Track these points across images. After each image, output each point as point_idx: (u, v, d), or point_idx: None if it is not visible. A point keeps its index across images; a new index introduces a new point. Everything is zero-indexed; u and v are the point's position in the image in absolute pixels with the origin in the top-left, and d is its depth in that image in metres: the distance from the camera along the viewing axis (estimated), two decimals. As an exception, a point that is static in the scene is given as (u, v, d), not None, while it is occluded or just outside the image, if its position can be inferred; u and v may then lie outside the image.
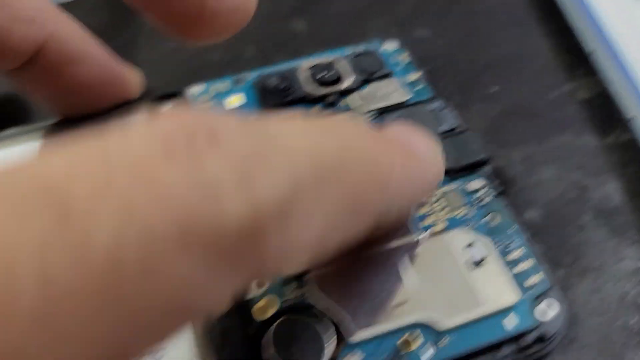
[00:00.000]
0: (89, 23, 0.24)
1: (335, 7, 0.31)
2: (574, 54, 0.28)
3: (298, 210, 0.12)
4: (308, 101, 0.25)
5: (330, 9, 0.31)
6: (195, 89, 0.25)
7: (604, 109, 0.26)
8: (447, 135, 0.23)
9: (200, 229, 0.10)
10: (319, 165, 0.13)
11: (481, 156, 0.23)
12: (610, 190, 0.24)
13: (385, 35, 0.28)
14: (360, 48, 0.27)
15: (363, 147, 0.15)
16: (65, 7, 0.23)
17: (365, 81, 0.25)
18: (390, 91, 0.25)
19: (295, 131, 0.14)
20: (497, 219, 0.21)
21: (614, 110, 0.26)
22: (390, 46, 0.27)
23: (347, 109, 0.24)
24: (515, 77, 0.27)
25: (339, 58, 0.26)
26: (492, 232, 0.21)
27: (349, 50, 0.27)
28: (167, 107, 0.25)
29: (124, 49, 0.28)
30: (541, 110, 0.26)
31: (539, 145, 0.25)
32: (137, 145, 0.11)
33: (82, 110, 0.22)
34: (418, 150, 0.17)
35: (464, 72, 0.28)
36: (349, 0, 0.30)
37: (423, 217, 0.21)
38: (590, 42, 0.28)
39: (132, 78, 0.23)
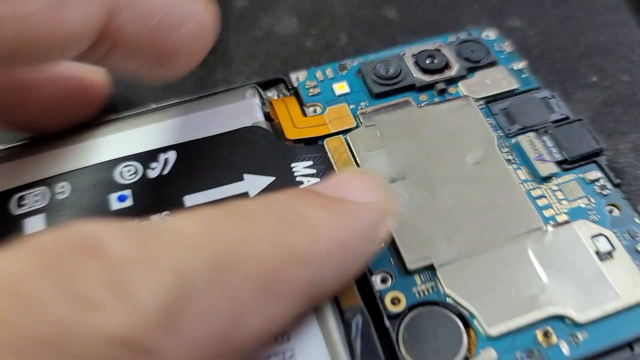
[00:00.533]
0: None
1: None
2: None
3: (191, 306, 0.12)
4: (417, 89, 0.25)
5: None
6: (299, 75, 0.25)
7: None
8: (559, 125, 0.23)
9: (74, 342, 0.10)
10: (215, 258, 0.13)
11: (596, 146, 0.23)
12: None
13: (477, 24, 0.28)
14: (463, 35, 0.27)
15: (269, 230, 0.14)
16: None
17: (472, 69, 0.25)
18: (499, 79, 0.25)
19: (190, 227, 0.13)
20: (618, 211, 0.22)
21: None
22: (490, 34, 0.27)
23: (458, 96, 0.24)
24: (614, 66, 0.28)
25: (443, 45, 0.26)
26: (615, 224, 0.21)
27: (451, 37, 0.27)
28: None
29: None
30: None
31: (637, 129, 0.25)
32: (13, 262, 0.11)
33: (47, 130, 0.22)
34: (356, 208, 0.16)
35: (561, 61, 0.28)
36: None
37: (543, 208, 0.21)
38: None
39: (98, 88, 0.23)
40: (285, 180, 0.22)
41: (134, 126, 0.24)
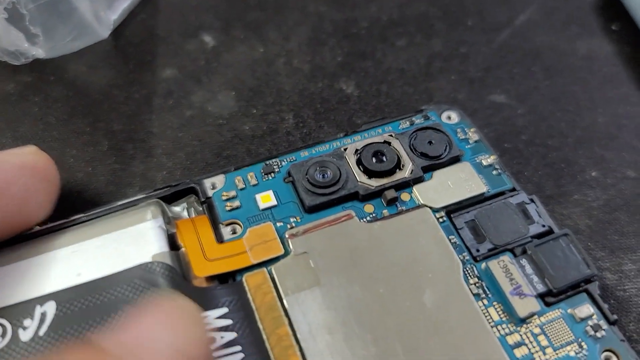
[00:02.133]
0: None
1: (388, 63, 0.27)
2: None
3: None
4: (361, 197, 0.21)
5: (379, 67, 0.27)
6: (215, 181, 0.22)
7: None
8: (540, 243, 0.20)
9: None
10: None
11: (586, 272, 0.19)
12: None
13: (452, 99, 0.24)
14: (418, 119, 0.23)
15: None
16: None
17: (430, 167, 0.22)
18: (463, 180, 0.22)
19: None
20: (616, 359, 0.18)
21: None
22: (452, 116, 0.23)
23: (413, 206, 0.21)
24: (617, 157, 0.24)
25: (394, 136, 0.22)
26: (613, 380, 0.18)
27: (404, 122, 0.23)
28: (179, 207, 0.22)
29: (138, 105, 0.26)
30: None
31: None
32: None
33: None
34: None
35: (554, 150, 0.25)
36: (411, 55, 0.27)
37: (523, 360, 0.18)
38: None
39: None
40: (191, 339, 0.18)
41: (3, 260, 0.20)
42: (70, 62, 0.27)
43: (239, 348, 0.18)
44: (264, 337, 0.18)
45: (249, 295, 0.19)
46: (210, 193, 0.22)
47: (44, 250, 0.20)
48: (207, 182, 0.22)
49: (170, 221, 0.21)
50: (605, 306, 0.19)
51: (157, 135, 0.25)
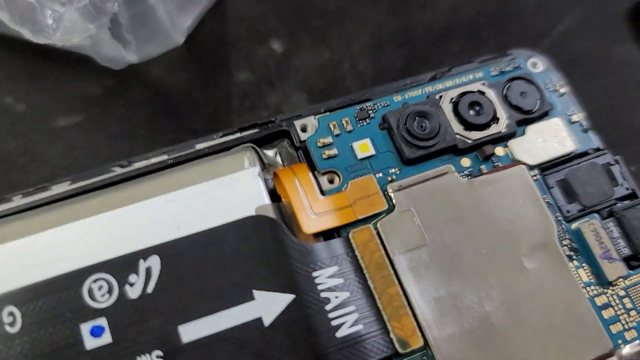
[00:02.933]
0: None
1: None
2: None
3: None
4: (457, 152, 0.22)
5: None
6: (306, 124, 0.22)
7: None
8: (626, 207, 0.21)
9: None
10: None
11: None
12: None
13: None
14: (506, 66, 0.23)
15: None
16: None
17: (523, 121, 0.22)
18: (554, 137, 0.23)
19: None
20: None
21: None
22: (539, 64, 0.24)
23: (508, 163, 0.22)
24: None
25: (486, 84, 0.23)
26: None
27: (494, 68, 0.23)
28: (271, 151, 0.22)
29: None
30: None
31: None
32: None
33: None
34: None
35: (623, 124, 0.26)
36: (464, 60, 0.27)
37: (610, 322, 0.20)
38: None
39: None
40: (308, 299, 0.19)
41: (95, 209, 0.20)
42: (149, 67, 0.28)
43: (353, 308, 0.19)
44: (376, 296, 0.20)
45: (357, 252, 0.20)
46: (303, 137, 0.22)
47: (137, 198, 0.20)
48: (297, 124, 0.22)
49: (265, 167, 0.21)
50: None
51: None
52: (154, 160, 0.21)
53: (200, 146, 0.22)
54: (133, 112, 0.28)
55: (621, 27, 0.31)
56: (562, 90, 0.24)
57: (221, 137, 0.22)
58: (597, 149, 0.23)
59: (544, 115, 0.23)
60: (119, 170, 0.21)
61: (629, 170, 0.23)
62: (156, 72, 0.28)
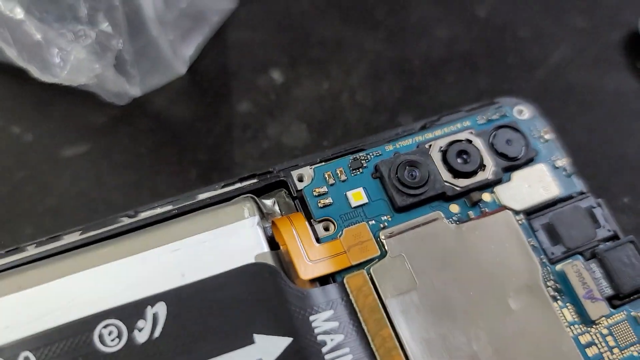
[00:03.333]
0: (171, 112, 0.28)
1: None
2: None
3: None
4: (446, 198, 0.24)
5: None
6: (302, 174, 0.24)
7: None
8: (608, 249, 0.23)
9: None
10: None
11: (651, 278, 0.23)
12: None
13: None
14: (493, 114, 0.25)
15: None
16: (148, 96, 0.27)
17: (508, 168, 0.24)
18: (539, 182, 0.24)
19: None
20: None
21: None
22: (525, 111, 0.26)
23: (495, 208, 0.24)
24: None
25: (473, 133, 0.25)
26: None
27: (480, 117, 0.25)
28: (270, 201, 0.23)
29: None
30: None
31: None
32: None
33: None
34: None
35: (590, 178, 0.27)
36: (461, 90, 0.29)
37: None
38: None
39: None
40: (305, 342, 0.21)
41: (105, 258, 0.22)
42: (153, 97, 0.29)
43: (347, 350, 0.21)
44: (369, 338, 0.21)
45: (351, 296, 0.22)
46: (299, 186, 0.24)
47: (144, 247, 0.22)
48: (294, 174, 0.24)
49: (264, 216, 0.23)
50: (663, 308, 0.23)
51: (240, 164, 0.29)
52: (159, 210, 0.23)
53: (202, 196, 0.23)
54: (138, 142, 0.29)
55: (615, 56, 0.32)
56: (547, 137, 0.25)
57: (222, 187, 0.24)
58: (581, 193, 0.25)
59: (529, 161, 0.25)
60: (126, 221, 0.23)
61: (610, 212, 0.24)
62: (160, 103, 0.30)
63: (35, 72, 0.25)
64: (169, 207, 0.23)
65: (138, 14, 0.25)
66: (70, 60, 0.24)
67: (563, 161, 0.25)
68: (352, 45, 0.32)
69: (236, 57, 0.31)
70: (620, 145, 0.28)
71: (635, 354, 0.22)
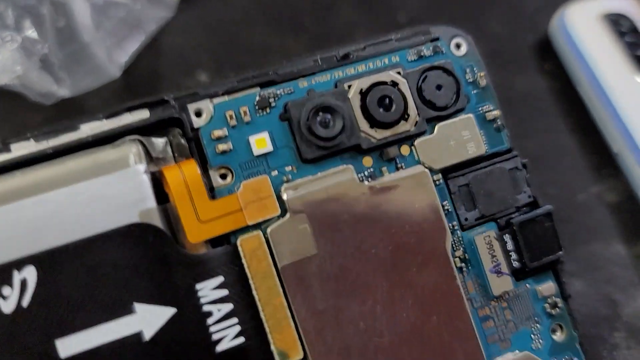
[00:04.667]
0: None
1: None
2: (600, 153, 0.33)
3: None
4: (360, 151, 0.23)
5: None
6: (200, 107, 0.22)
7: (633, 214, 0.31)
8: (523, 220, 0.24)
9: None
10: None
11: (559, 253, 0.24)
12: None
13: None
14: (427, 49, 0.24)
15: None
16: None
17: (434, 118, 0.24)
18: (465, 138, 0.24)
19: None
20: (561, 333, 0.24)
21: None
22: (462, 45, 0.25)
23: (411, 166, 0.23)
24: (541, 177, 0.28)
25: (401, 73, 0.24)
26: (555, 351, 0.24)
27: (412, 52, 0.24)
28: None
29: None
30: (569, 216, 0.29)
31: (567, 255, 0.26)
32: None
33: None
34: None
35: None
36: None
37: (488, 334, 0.23)
38: (615, 142, 0.32)
39: None
40: (189, 312, 0.21)
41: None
42: (88, 98, 0.32)
43: (235, 320, 0.21)
44: (260, 307, 0.22)
45: (244, 261, 0.22)
46: (196, 124, 0.22)
47: (7, 197, 0.21)
48: (191, 108, 0.22)
49: (152, 160, 0.22)
50: (565, 283, 0.24)
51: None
52: (33, 144, 0.21)
53: (84, 128, 0.22)
54: None
55: (526, 59, 0.35)
56: (482, 83, 0.24)
57: (107, 117, 0.22)
58: (508, 150, 0.25)
59: (458, 111, 0.24)
60: (-4, 156, 0.21)
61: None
62: (94, 103, 0.33)
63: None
64: (45, 143, 0.21)
65: (71, 22, 0.30)
66: None
67: (495, 113, 0.24)
68: (277, 51, 0.35)
69: (168, 61, 0.35)
70: (523, 142, 0.28)
71: (528, 327, 0.24)
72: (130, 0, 0.31)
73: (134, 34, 0.33)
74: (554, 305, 0.24)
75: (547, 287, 0.24)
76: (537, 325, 0.24)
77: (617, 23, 0.34)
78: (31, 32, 0.29)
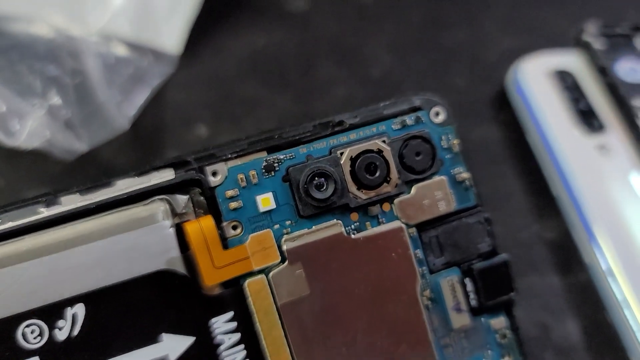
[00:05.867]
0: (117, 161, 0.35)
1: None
2: (542, 196, 0.38)
3: None
4: (348, 209, 0.28)
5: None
6: (216, 169, 0.27)
7: (566, 250, 0.37)
8: (482, 267, 0.29)
9: None
10: None
11: (512, 296, 0.29)
12: (570, 328, 0.34)
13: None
14: (410, 121, 0.29)
15: None
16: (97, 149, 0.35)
17: (412, 181, 0.28)
18: (437, 198, 0.29)
19: None
20: (511, 358, 0.29)
21: (575, 251, 0.36)
22: (440, 113, 0.29)
23: (391, 221, 0.28)
24: (492, 217, 0.31)
25: (386, 142, 0.28)
26: (503, 375, 0.29)
27: (396, 122, 0.29)
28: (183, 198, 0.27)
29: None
30: (512, 251, 0.31)
31: None
32: None
33: None
34: None
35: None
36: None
37: (447, 358, 0.29)
38: (555, 186, 0.38)
39: None
40: (205, 340, 0.26)
41: (18, 257, 0.25)
42: (101, 150, 0.36)
43: (242, 347, 0.27)
44: (262, 337, 0.27)
45: (249, 300, 0.27)
46: (212, 183, 0.27)
47: (60, 247, 0.26)
48: (209, 170, 0.27)
49: (176, 215, 0.27)
50: (515, 318, 0.29)
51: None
52: (78, 198, 0.26)
53: (120, 183, 0.27)
54: None
55: (484, 110, 0.40)
56: (455, 149, 0.29)
57: (139, 174, 0.27)
58: (474, 206, 0.29)
59: (433, 174, 0.29)
60: (44, 211, 0.26)
61: (492, 229, 0.30)
62: (106, 155, 0.37)
63: (2, 136, 0.34)
64: (89, 195, 0.26)
65: (88, 83, 0.34)
66: (27, 127, 0.33)
67: (464, 175, 0.29)
68: (266, 104, 0.40)
69: (171, 114, 0.39)
70: (478, 187, 0.32)
71: (481, 354, 0.29)
72: (137, 57, 0.36)
73: (140, 88, 0.37)
74: (504, 336, 0.29)
75: (499, 321, 0.29)
76: (489, 351, 0.29)
77: (563, 79, 0.39)
78: (56, 100, 0.34)
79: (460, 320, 0.28)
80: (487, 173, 0.38)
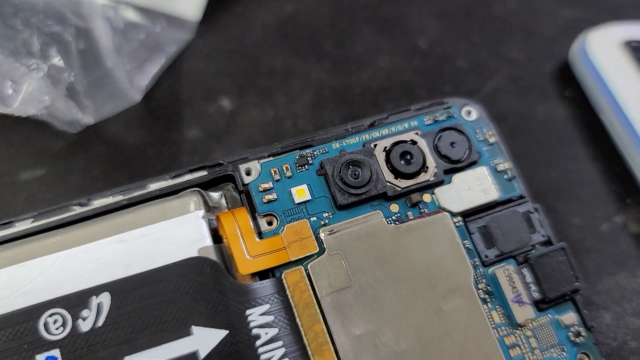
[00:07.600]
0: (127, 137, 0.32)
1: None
2: (623, 182, 0.33)
3: None
4: (387, 198, 0.26)
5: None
6: (249, 167, 0.26)
7: None
8: (540, 254, 0.26)
9: None
10: None
11: (575, 284, 0.26)
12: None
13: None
14: (440, 115, 0.28)
15: None
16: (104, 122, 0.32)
17: (450, 170, 0.27)
18: (479, 186, 0.27)
19: None
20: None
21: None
22: (472, 112, 0.28)
23: (433, 210, 0.26)
24: (565, 207, 0.31)
25: (419, 134, 0.27)
26: (586, 380, 0.25)
27: (428, 117, 0.28)
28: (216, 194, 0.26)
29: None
30: (594, 246, 0.29)
31: (594, 287, 0.28)
32: None
33: None
34: None
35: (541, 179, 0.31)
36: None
37: None
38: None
39: None
40: (240, 334, 0.23)
41: (55, 247, 0.24)
42: (109, 124, 0.33)
43: (280, 343, 0.24)
44: (302, 333, 0.24)
45: (288, 292, 0.25)
46: (246, 180, 0.26)
47: (92, 237, 0.25)
48: (242, 168, 0.26)
49: (210, 209, 0.26)
50: (585, 313, 0.26)
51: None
52: (111, 199, 0.26)
53: (153, 186, 0.26)
54: (93, 166, 0.32)
55: (546, 85, 0.36)
56: (491, 140, 0.28)
57: (173, 177, 0.26)
58: (520, 197, 0.27)
59: (471, 164, 0.27)
60: (78, 210, 0.25)
61: (547, 218, 0.27)
62: (115, 129, 0.33)
63: (-11, 102, 0.28)
64: (120, 197, 0.25)
65: (94, 48, 0.29)
66: (22, 92, 0.28)
67: (505, 165, 0.28)
68: (298, 75, 0.36)
69: (189, 86, 0.35)
70: (545, 170, 0.30)
71: (554, 355, 0.25)
72: (149, 22, 0.31)
73: (154, 57, 0.33)
74: (578, 334, 0.26)
75: (569, 316, 0.26)
76: (564, 352, 0.25)
77: (637, 50, 0.35)
78: (57, 60, 0.28)
79: (524, 314, 0.25)
80: (556, 155, 0.34)
